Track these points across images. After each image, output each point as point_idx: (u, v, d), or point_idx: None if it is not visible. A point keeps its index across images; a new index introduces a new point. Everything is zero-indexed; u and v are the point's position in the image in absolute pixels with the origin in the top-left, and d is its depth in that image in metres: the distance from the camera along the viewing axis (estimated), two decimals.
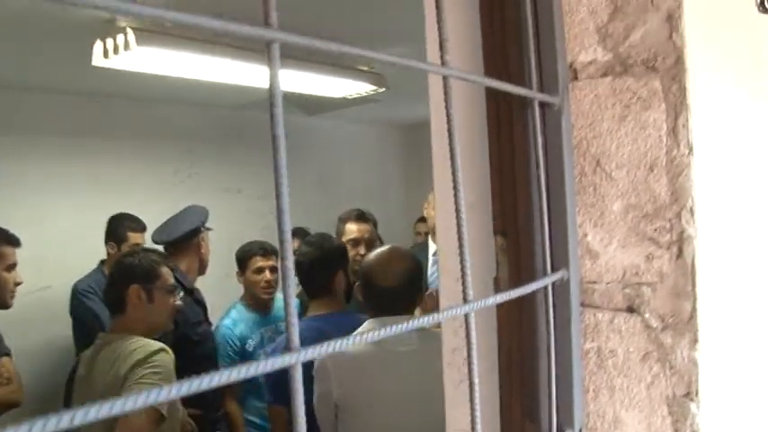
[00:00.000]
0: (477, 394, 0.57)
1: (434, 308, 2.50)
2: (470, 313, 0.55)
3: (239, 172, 5.79)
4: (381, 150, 7.40)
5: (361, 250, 3.66)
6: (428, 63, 0.52)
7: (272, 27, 0.39)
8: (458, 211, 0.53)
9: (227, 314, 3.65)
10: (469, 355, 0.56)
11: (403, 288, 2.37)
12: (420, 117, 6.29)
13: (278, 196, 0.39)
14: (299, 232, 4.28)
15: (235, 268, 3.78)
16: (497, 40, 0.79)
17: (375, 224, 3.98)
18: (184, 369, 2.41)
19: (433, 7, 0.55)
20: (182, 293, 3.24)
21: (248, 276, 3.65)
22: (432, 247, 3.99)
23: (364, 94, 4.64)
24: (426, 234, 4.29)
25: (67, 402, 2.38)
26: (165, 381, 2.23)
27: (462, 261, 0.54)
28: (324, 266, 2.81)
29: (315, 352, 0.42)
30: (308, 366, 2.16)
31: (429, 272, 3.84)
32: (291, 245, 0.40)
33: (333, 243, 2.99)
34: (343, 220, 3.86)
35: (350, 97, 4.71)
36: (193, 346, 3.17)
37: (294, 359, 0.40)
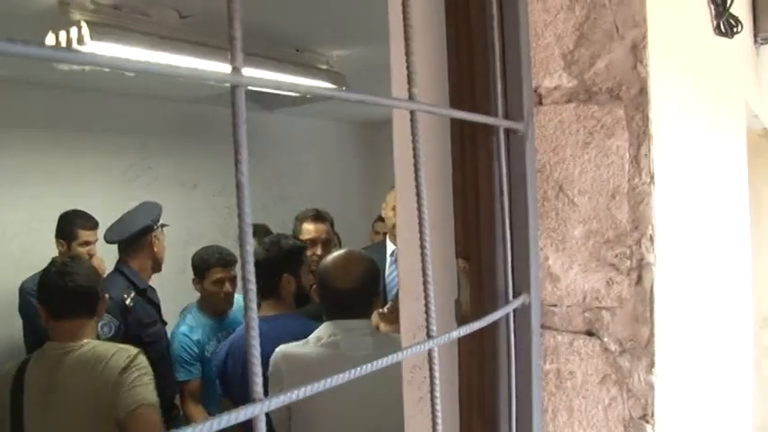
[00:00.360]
0: (440, 427, 0.56)
1: (395, 320, 2.50)
2: (434, 348, 0.55)
3: (195, 167, 5.72)
4: (339, 147, 7.39)
5: (318, 250, 3.64)
6: (394, 98, 0.52)
7: (239, 71, 0.38)
8: (422, 248, 0.52)
9: (183, 320, 3.56)
10: (432, 389, 0.56)
11: (359, 290, 2.37)
12: (379, 114, 6.30)
13: (240, 206, 0.38)
14: (259, 229, 4.21)
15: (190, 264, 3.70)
16: (464, 64, 0.79)
17: (332, 223, 3.96)
18: None
19: (400, 39, 0.55)
20: (132, 294, 3.19)
21: (207, 286, 3.54)
22: (390, 247, 3.98)
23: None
24: (384, 234, 4.27)
25: (16, 407, 2.30)
26: (152, 380, 2.34)
27: (426, 297, 0.53)
28: (270, 268, 2.78)
29: (279, 401, 0.41)
30: (264, 367, 2.15)
31: (387, 272, 3.83)
32: (252, 248, 0.39)
33: (284, 245, 2.95)
34: (299, 220, 3.83)
35: (309, 95, 4.67)
36: (145, 347, 3.10)
37: (258, 410, 0.39)
